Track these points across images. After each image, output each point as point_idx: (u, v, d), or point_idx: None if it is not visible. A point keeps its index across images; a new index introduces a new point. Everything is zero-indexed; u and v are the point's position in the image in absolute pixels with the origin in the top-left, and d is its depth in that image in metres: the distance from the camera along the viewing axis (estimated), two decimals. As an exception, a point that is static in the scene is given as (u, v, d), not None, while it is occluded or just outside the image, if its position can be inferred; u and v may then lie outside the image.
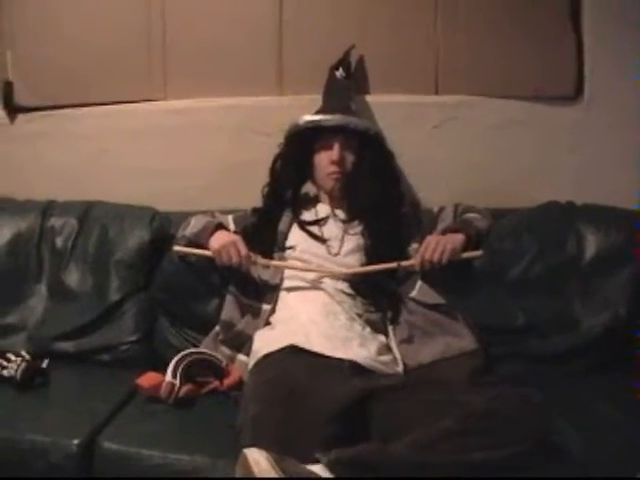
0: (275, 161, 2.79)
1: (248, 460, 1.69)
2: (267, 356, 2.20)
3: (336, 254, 2.63)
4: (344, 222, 2.71)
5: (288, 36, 3.07)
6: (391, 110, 2.99)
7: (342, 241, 2.65)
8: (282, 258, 2.66)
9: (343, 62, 2.90)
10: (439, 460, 1.75)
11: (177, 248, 2.69)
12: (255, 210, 2.81)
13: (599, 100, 2.98)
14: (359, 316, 2.48)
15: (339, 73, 2.87)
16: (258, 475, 1.66)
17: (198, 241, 2.65)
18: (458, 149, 3.04)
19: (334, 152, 2.65)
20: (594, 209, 2.80)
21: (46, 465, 2.11)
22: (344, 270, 2.57)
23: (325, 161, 2.69)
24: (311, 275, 2.58)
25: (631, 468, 1.89)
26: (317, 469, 1.73)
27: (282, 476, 1.66)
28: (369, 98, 3.02)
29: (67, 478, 2.13)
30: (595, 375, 2.46)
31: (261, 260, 2.60)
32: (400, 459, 1.77)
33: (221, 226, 2.67)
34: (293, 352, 2.17)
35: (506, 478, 1.79)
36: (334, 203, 2.75)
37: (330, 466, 1.73)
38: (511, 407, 1.86)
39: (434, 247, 2.49)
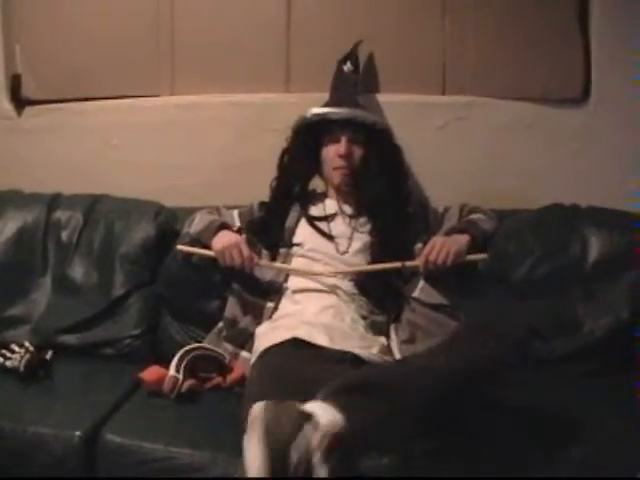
0: (283, 155, 2.79)
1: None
2: (269, 349, 2.21)
3: (344, 252, 2.63)
4: (351, 217, 2.70)
5: (296, 33, 3.08)
6: (397, 109, 2.98)
7: (351, 239, 2.65)
8: (289, 255, 2.66)
9: (351, 56, 2.90)
10: (436, 365, 1.90)
11: (180, 247, 2.69)
12: (262, 204, 2.81)
13: (606, 103, 2.97)
14: (364, 318, 2.49)
15: (346, 67, 2.87)
16: (249, 423, 1.71)
17: (201, 240, 2.65)
18: (464, 150, 3.04)
19: (341, 145, 2.65)
20: (598, 212, 2.79)
21: (49, 457, 2.13)
22: (347, 268, 2.58)
23: (332, 155, 2.68)
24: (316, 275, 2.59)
25: (631, 468, 1.90)
26: (311, 404, 1.76)
27: (268, 421, 1.68)
28: (376, 96, 3.03)
29: (69, 478, 2.14)
30: (597, 378, 2.45)
31: (264, 262, 2.61)
32: (394, 372, 1.97)
33: (225, 226, 2.66)
34: (295, 345, 2.20)
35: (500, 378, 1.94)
36: (341, 198, 2.74)
37: (324, 397, 1.78)
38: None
39: (439, 249, 2.49)
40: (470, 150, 3.04)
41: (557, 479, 1.92)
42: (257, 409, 1.73)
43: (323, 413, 1.71)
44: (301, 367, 2.06)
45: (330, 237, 2.66)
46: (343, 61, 2.89)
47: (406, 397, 1.81)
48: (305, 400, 1.87)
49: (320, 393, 1.80)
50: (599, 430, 2.06)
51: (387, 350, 2.40)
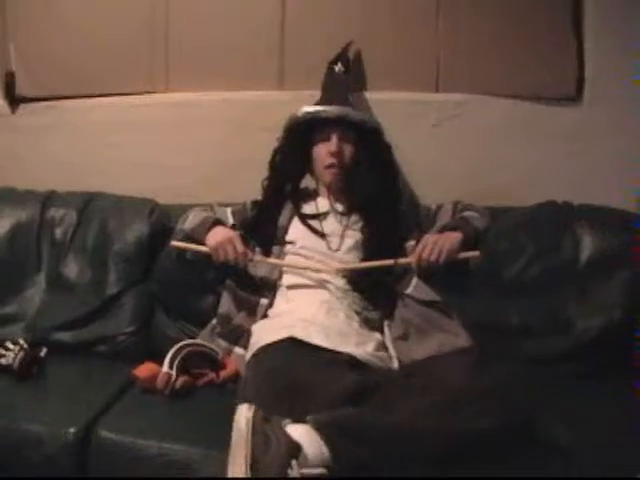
0: (275, 154, 2.79)
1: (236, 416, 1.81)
2: (266, 347, 2.22)
3: (336, 250, 2.63)
4: (343, 215, 2.70)
5: (290, 31, 3.09)
6: (391, 108, 2.99)
7: (342, 237, 2.65)
8: (282, 252, 2.66)
9: (341, 57, 2.90)
10: (423, 428, 1.81)
11: (174, 243, 2.69)
12: (255, 203, 2.82)
13: (599, 101, 2.98)
14: (357, 314, 2.50)
15: (337, 68, 2.87)
16: (233, 437, 1.78)
17: (195, 236, 2.65)
18: (457, 148, 3.05)
19: (332, 144, 2.65)
20: (591, 210, 2.79)
21: (42, 454, 2.13)
22: (339, 266, 2.58)
23: (323, 153, 2.68)
24: (310, 272, 2.59)
25: (631, 468, 1.90)
26: (301, 430, 1.78)
27: (255, 447, 1.73)
28: (369, 95, 3.03)
29: (63, 478, 2.14)
30: (589, 377, 2.46)
31: (258, 257, 2.61)
32: (384, 426, 1.83)
33: (219, 222, 2.67)
34: (292, 344, 2.19)
35: (489, 452, 1.84)
36: (333, 196, 2.74)
37: (316, 427, 1.78)
38: (496, 382, 1.95)
39: (431, 247, 2.49)
40: (464, 148, 3.04)
41: (557, 479, 1.92)
42: (243, 418, 1.78)
43: (310, 445, 1.75)
44: (296, 368, 2.06)
45: (322, 235, 2.66)
46: (334, 62, 2.90)
47: (397, 457, 1.82)
48: (297, 403, 1.92)
49: (312, 417, 1.82)
50: (598, 430, 2.07)
51: (382, 346, 2.41)
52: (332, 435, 1.78)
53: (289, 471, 1.71)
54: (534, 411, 1.94)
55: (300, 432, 1.78)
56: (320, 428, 1.78)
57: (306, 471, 1.72)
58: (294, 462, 1.71)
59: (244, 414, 1.80)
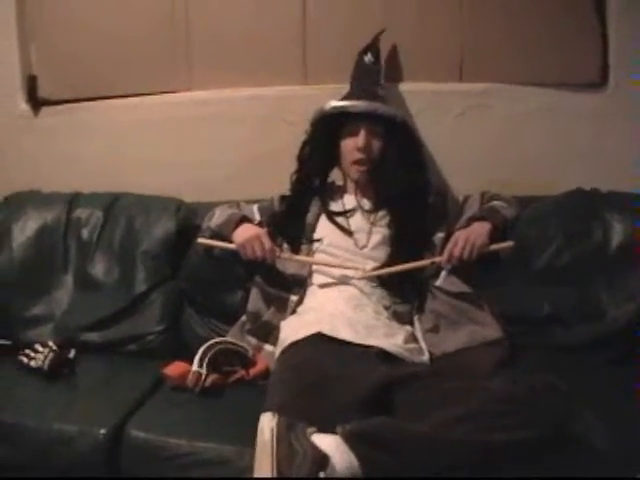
0: (303, 147, 2.77)
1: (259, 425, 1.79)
2: (293, 344, 2.20)
3: (363, 247, 2.62)
4: (370, 212, 2.68)
5: (312, 26, 3.07)
6: (415, 97, 2.98)
7: (369, 234, 2.64)
8: (309, 250, 2.65)
9: (372, 47, 2.88)
10: (455, 438, 1.76)
11: (201, 240, 2.70)
12: (283, 198, 2.81)
13: (624, 87, 2.94)
14: (386, 308, 2.49)
15: (367, 58, 2.84)
16: (258, 447, 1.77)
17: (222, 233, 2.65)
18: (482, 137, 3.02)
19: (360, 139, 2.62)
20: (620, 196, 2.76)
21: (73, 454, 2.15)
22: (368, 271, 2.55)
23: (351, 148, 2.66)
24: (337, 269, 2.58)
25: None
26: (329, 441, 1.75)
27: (280, 458, 1.71)
28: (393, 85, 3.01)
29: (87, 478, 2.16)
30: (619, 366, 2.42)
31: (285, 254, 2.61)
32: (415, 436, 1.79)
33: (245, 219, 2.67)
34: (320, 340, 2.18)
35: (522, 461, 1.80)
36: (360, 192, 2.72)
37: (345, 437, 1.75)
38: (532, 392, 1.88)
39: (463, 244, 2.48)
40: (488, 137, 3.02)
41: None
42: (267, 428, 1.77)
43: (339, 455, 1.73)
44: (323, 363, 2.05)
45: (349, 232, 2.65)
46: (364, 52, 2.87)
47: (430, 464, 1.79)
48: (325, 399, 1.91)
49: (341, 427, 1.78)
50: (620, 419, 2.03)
51: (412, 338, 2.39)
52: (361, 445, 1.75)
53: None
54: (570, 417, 1.91)
55: (328, 442, 1.76)
56: (349, 438, 1.76)
57: None
58: (322, 474, 1.70)
59: (268, 424, 1.78)
